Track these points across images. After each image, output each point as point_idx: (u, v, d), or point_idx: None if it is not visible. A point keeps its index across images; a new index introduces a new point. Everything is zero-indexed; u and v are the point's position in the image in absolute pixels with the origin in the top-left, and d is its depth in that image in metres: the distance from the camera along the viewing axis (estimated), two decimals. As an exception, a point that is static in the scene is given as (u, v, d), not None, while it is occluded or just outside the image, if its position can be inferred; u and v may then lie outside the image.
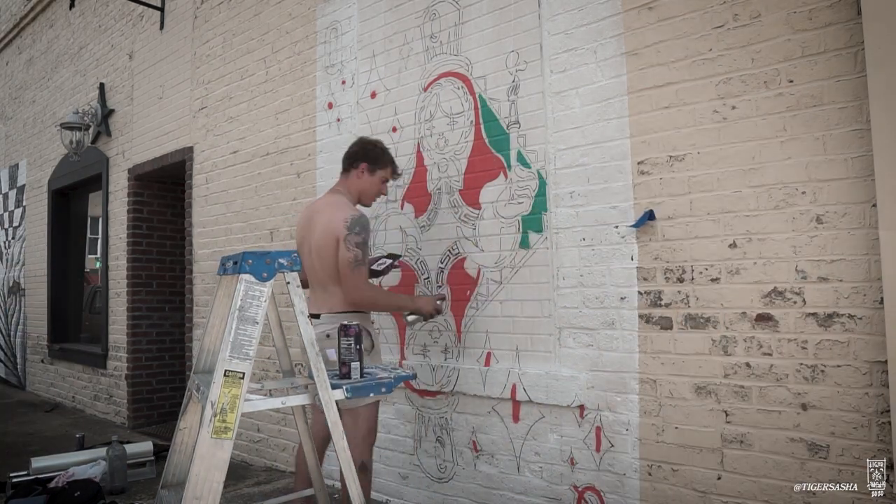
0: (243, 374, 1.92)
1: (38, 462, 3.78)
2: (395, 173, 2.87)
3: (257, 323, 1.97)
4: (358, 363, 2.31)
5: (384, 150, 2.83)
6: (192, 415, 2.21)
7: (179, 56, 5.10)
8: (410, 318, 2.74)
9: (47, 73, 7.42)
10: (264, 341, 3.68)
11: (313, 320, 2.67)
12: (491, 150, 2.94)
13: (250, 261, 1.99)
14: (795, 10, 2.12)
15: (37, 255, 7.37)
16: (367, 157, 2.76)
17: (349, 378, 2.29)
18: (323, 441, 2.72)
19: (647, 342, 2.43)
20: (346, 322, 2.38)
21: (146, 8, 5.44)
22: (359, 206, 2.77)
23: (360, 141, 2.85)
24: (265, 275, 2.00)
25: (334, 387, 2.13)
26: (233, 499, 3.52)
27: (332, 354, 2.54)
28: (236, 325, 1.94)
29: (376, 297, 2.73)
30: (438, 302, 2.78)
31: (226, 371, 1.90)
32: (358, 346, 2.32)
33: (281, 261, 2.05)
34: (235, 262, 2.04)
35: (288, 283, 2.09)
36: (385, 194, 2.90)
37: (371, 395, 2.25)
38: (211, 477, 1.85)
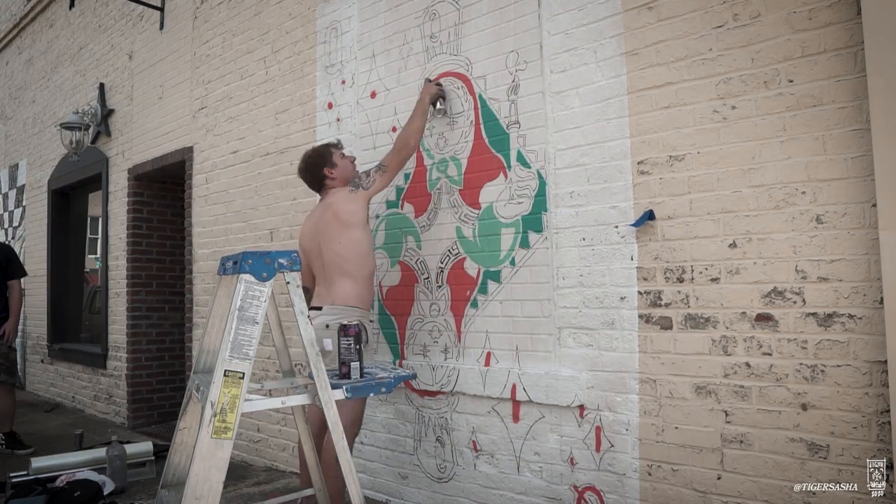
0: (243, 374, 1.92)
1: (37, 462, 3.78)
2: (337, 147, 3.10)
3: (257, 323, 1.97)
4: (358, 363, 2.32)
5: (316, 150, 3.07)
6: (192, 415, 2.21)
7: (179, 56, 5.10)
8: (438, 106, 3.06)
9: (47, 73, 7.42)
10: (264, 341, 3.68)
11: (314, 312, 2.76)
12: (491, 150, 2.94)
13: (250, 261, 1.99)
14: (795, 10, 2.12)
15: (37, 255, 7.36)
16: (319, 165, 3.00)
17: (349, 378, 2.30)
18: (319, 430, 2.73)
19: (647, 342, 2.43)
20: (345, 322, 2.38)
21: (146, 8, 5.43)
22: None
23: (304, 169, 3.06)
24: (265, 275, 2.01)
25: (334, 387, 2.13)
26: (233, 499, 3.52)
27: (329, 345, 2.57)
28: (236, 324, 1.94)
29: (410, 134, 2.94)
30: (431, 81, 3.07)
31: (226, 371, 1.90)
32: (357, 346, 2.32)
33: (281, 261, 2.05)
34: (235, 262, 2.04)
35: (288, 283, 2.09)
36: (355, 158, 3.18)
37: (371, 395, 2.25)
38: (211, 477, 1.86)
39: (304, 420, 2.39)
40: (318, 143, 3.17)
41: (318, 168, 2.99)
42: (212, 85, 4.71)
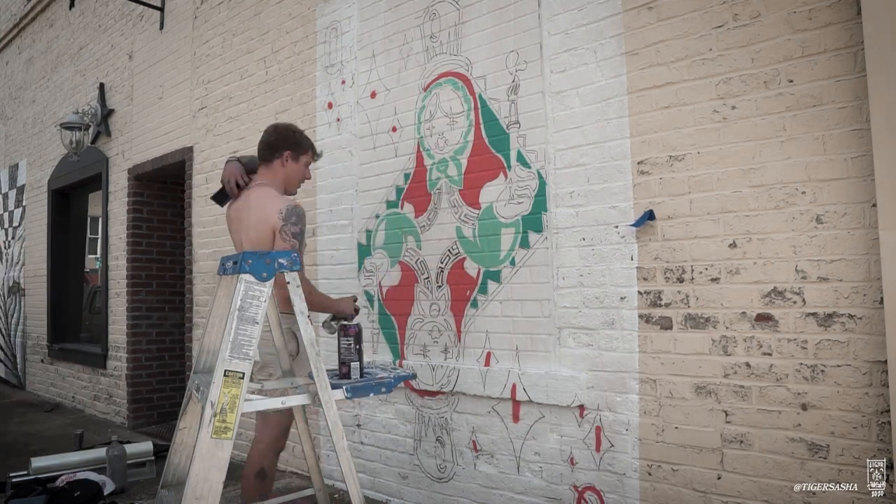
0: (243, 374, 1.92)
1: (37, 462, 3.78)
2: (315, 155, 2.77)
3: (257, 323, 1.97)
4: (358, 363, 2.31)
5: (302, 133, 2.74)
6: (192, 415, 2.21)
7: (179, 56, 5.10)
8: (333, 322, 2.66)
9: (47, 73, 7.42)
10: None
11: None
12: (491, 150, 2.94)
13: (250, 261, 1.99)
14: (795, 10, 2.12)
15: (37, 255, 7.36)
16: (287, 143, 2.65)
17: (349, 378, 2.30)
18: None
19: (647, 342, 2.43)
20: (346, 322, 2.38)
21: (146, 8, 5.43)
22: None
23: (276, 129, 2.71)
24: (265, 275, 2.01)
25: (334, 387, 2.13)
26: (233, 499, 3.52)
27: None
28: (236, 324, 1.94)
29: (307, 290, 2.48)
30: (355, 302, 2.71)
31: (226, 371, 1.90)
32: (357, 346, 2.32)
33: (281, 261, 2.05)
34: (235, 262, 2.04)
35: (288, 282, 2.09)
36: (309, 178, 2.79)
37: (371, 394, 2.25)
38: (211, 477, 1.85)
39: (304, 420, 2.39)
40: (306, 135, 2.78)
41: (284, 143, 2.64)
42: (212, 85, 4.71)
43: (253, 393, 2.17)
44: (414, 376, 2.91)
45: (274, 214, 2.47)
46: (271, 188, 2.61)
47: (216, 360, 1.92)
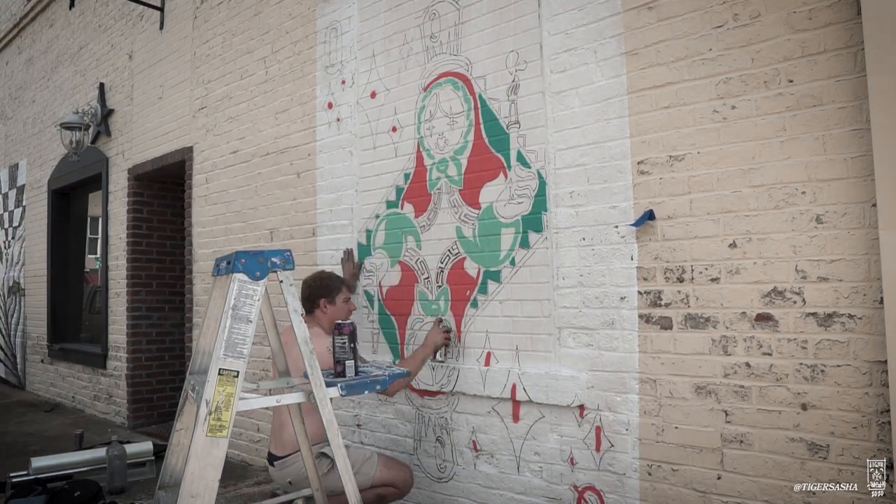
0: (238, 372, 1.92)
1: (37, 462, 3.77)
2: (350, 290, 3.10)
3: (251, 321, 1.97)
4: (352, 361, 2.31)
5: (330, 277, 3.02)
6: (189, 416, 2.20)
7: (179, 56, 5.09)
8: (437, 357, 3.04)
9: (47, 73, 7.42)
10: (263, 341, 3.67)
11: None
12: (491, 150, 2.93)
13: (243, 260, 1.99)
14: (795, 10, 2.12)
15: (37, 255, 7.36)
16: (320, 293, 2.94)
17: (343, 376, 2.29)
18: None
19: (647, 342, 2.42)
20: (339, 321, 2.38)
21: (146, 8, 5.43)
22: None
23: (305, 283, 3.00)
24: (258, 274, 2.01)
25: (329, 384, 2.13)
26: (233, 499, 3.52)
27: None
28: (230, 323, 1.93)
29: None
30: (441, 327, 3.01)
31: (220, 369, 1.90)
32: (352, 345, 2.31)
33: (274, 260, 2.05)
34: (229, 262, 2.04)
35: (281, 281, 2.09)
36: (354, 309, 3.08)
37: (366, 392, 2.25)
38: (206, 475, 1.85)
39: (300, 421, 2.39)
40: (335, 275, 3.05)
41: (318, 295, 2.93)
42: (212, 85, 4.71)
43: (249, 392, 2.17)
44: (408, 373, 2.90)
45: (323, 350, 2.68)
46: (317, 328, 2.87)
47: (211, 360, 1.92)
